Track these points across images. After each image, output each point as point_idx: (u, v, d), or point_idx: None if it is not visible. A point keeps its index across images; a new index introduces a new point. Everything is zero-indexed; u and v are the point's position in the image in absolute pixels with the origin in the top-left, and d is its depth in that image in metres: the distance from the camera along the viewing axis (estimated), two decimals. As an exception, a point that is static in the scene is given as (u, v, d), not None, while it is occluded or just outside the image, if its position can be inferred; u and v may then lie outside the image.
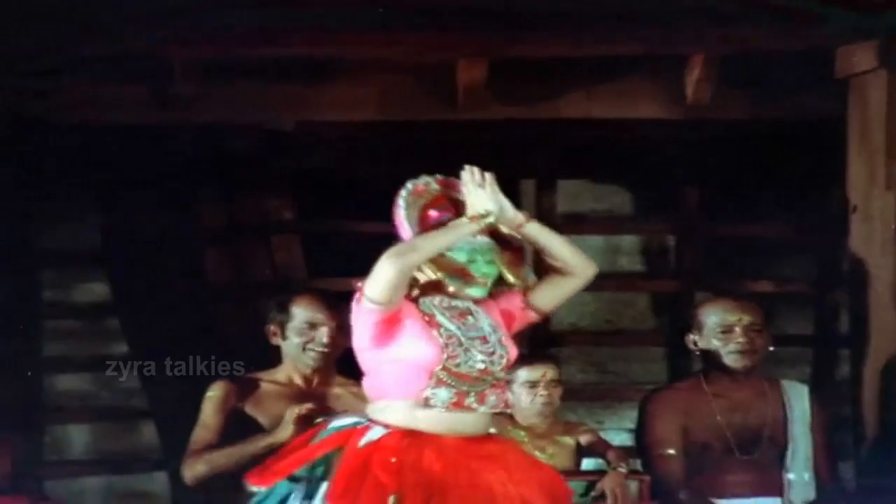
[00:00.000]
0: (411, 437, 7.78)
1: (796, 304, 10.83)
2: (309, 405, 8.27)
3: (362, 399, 8.39)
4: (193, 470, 8.39)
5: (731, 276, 11.15)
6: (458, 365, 7.76)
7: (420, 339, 7.79)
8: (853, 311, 9.30)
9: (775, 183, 10.36)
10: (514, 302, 8.02)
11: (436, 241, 7.84)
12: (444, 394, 7.75)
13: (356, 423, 7.81)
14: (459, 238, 7.85)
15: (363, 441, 7.79)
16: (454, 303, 7.90)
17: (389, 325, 7.78)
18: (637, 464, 8.45)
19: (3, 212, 10.95)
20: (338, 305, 8.60)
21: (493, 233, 7.90)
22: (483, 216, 7.80)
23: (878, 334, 8.97)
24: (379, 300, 7.60)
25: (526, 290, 7.96)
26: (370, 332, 7.68)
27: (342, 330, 8.33)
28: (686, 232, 11.13)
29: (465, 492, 7.66)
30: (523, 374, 9.14)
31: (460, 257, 7.89)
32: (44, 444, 10.95)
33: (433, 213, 7.89)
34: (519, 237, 7.89)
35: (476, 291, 7.89)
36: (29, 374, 11.31)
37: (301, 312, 8.53)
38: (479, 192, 7.89)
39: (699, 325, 8.58)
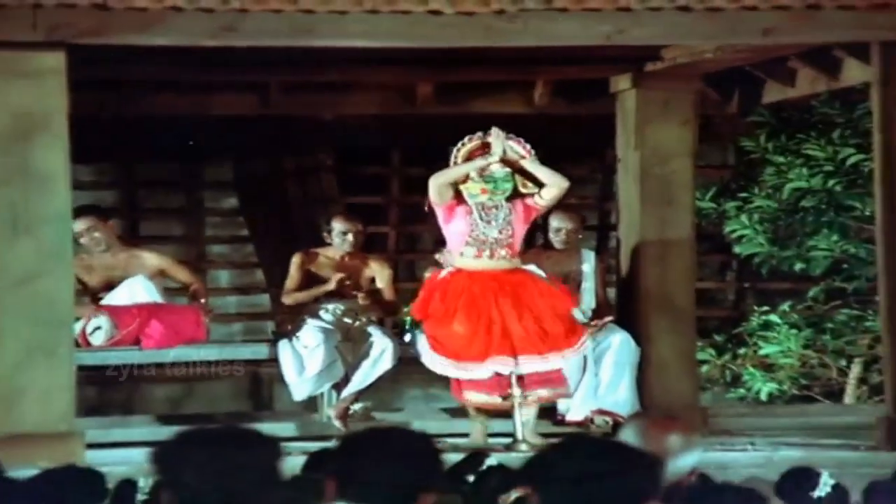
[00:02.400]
0: (460, 272, 8.00)
1: (589, 209, 10.62)
2: (342, 275, 8.43)
3: (367, 266, 8.64)
4: (286, 300, 8.64)
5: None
6: (476, 235, 7.92)
7: (460, 220, 7.97)
8: (618, 212, 9.25)
9: (581, 146, 10.29)
10: (529, 201, 8.03)
11: (458, 169, 8.01)
12: (469, 250, 7.97)
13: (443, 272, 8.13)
14: (472, 168, 7.96)
15: (439, 277, 8.11)
16: (488, 203, 7.98)
17: (449, 213, 8.01)
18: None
19: (180, 164, 11.23)
20: (357, 217, 8.76)
21: (515, 166, 8.01)
22: (490, 156, 7.95)
23: (631, 225, 8.98)
24: (433, 200, 7.95)
25: (534, 195, 8.02)
26: (440, 216, 8.02)
27: (360, 232, 8.58)
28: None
29: (472, 284, 7.92)
30: None
31: (483, 181, 7.97)
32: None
33: (476, 154, 8.00)
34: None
35: (497, 197, 7.98)
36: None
37: (337, 226, 8.51)
38: (496, 141, 8.00)
39: (548, 224, 8.67)
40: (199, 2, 7.18)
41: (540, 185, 8.10)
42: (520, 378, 7.87)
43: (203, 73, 8.86)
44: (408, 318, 8.40)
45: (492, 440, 7.95)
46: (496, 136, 8.05)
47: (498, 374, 7.86)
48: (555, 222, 8.68)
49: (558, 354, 7.95)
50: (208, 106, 9.51)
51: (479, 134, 8.09)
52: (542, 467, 3.79)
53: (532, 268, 8.15)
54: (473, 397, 7.94)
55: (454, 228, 8.02)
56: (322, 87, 9.43)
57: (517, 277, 8.03)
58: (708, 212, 10.31)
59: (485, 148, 8.06)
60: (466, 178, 8.02)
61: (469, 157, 8.07)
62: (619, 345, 8.46)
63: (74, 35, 7.17)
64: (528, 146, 8.14)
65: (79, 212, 8.39)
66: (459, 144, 8.08)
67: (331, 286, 8.48)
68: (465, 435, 7.97)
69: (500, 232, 7.99)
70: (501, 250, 7.99)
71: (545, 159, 8.07)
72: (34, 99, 7.24)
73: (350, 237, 8.56)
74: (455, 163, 8.06)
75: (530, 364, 7.88)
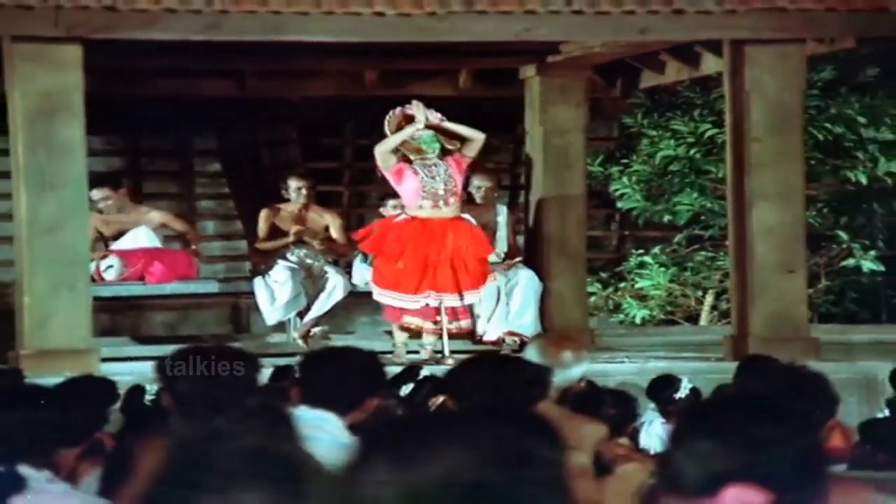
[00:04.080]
0: (414, 220, 7.83)
1: (503, 172, 10.39)
2: (299, 227, 8.34)
3: (322, 217, 8.50)
4: (258, 247, 8.58)
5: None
6: (428, 189, 7.76)
7: (410, 180, 7.80)
8: (526, 175, 9.22)
9: (497, 122, 9.85)
10: (457, 155, 7.89)
11: (394, 138, 7.81)
12: (427, 203, 7.77)
13: (399, 216, 7.90)
14: (405, 136, 7.76)
15: (395, 220, 7.96)
16: (427, 161, 7.81)
17: (398, 175, 7.83)
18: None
19: (174, 136, 10.98)
20: (308, 175, 8.70)
21: (438, 129, 7.85)
22: (416, 124, 7.81)
23: (536, 185, 8.96)
24: (381, 167, 7.83)
25: (461, 150, 7.90)
26: (391, 180, 7.87)
27: (312, 188, 8.50)
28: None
29: (424, 230, 7.79)
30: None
31: (416, 143, 7.81)
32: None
33: (403, 124, 7.87)
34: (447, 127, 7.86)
35: (430, 156, 7.81)
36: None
37: (292, 183, 8.46)
38: (417, 110, 7.85)
39: (471, 182, 8.50)
40: (189, 4, 7.16)
41: (461, 140, 7.99)
42: (448, 309, 7.83)
43: (192, 62, 8.81)
44: (358, 254, 8.34)
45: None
46: (417, 107, 7.94)
47: (427, 305, 7.82)
48: (476, 181, 8.58)
49: (474, 293, 7.91)
50: (196, 89, 9.39)
51: (399, 108, 8.00)
52: (457, 378, 3.87)
53: (467, 216, 8.09)
54: (410, 320, 7.90)
55: (407, 187, 7.88)
56: (288, 73, 9.31)
57: (459, 225, 7.93)
58: (596, 174, 10.29)
59: (407, 118, 7.96)
60: (405, 144, 7.92)
61: (398, 126, 7.96)
62: (526, 280, 8.42)
63: (89, 31, 7.13)
64: (439, 114, 8.04)
65: (95, 183, 8.37)
66: (387, 117, 7.97)
67: (290, 239, 8.43)
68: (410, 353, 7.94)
69: (445, 184, 7.88)
70: (451, 198, 7.88)
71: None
72: (56, 83, 7.19)
73: (303, 191, 8.52)
74: (389, 132, 7.94)
75: (451, 300, 7.84)
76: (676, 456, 1.87)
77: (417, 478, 1.61)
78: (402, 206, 8.10)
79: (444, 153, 7.99)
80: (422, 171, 7.88)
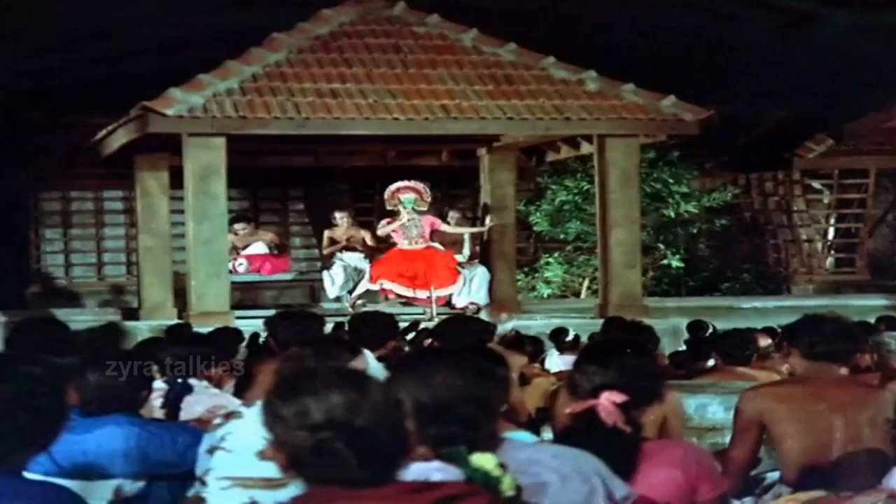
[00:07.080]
0: (400, 249, 7.68)
1: (467, 209, 9.95)
2: (345, 241, 8.14)
3: (362, 234, 8.18)
4: (324, 252, 8.43)
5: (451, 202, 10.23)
6: (406, 235, 7.58)
7: (399, 229, 7.71)
8: (481, 213, 8.90)
9: (464, 181, 9.67)
10: (437, 223, 7.72)
11: (382, 231, 7.67)
12: (405, 242, 7.63)
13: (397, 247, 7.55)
14: (389, 230, 7.50)
15: (395, 249, 7.71)
16: (412, 218, 7.65)
17: (395, 232, 7.57)
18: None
19: (277, 188, 10.50)
20: (351, 206, 8.60)
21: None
22: (399, 219, 7.48)
23: (487, 218, 8.68)
24: (379, 236, 7.66)
25: (443, 223, 7.64)
26: (388, 232, 7.65)
27: (349, 215, 8.29)
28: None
29: (406, 254, 7.61)
30: None
31: (402, 207, 7.54)
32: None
33: (396, 195, 7.53)
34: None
35: (411, 212, 7.60)
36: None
37: (336, 214, 8.29)
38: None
39: (449, 215, 8.27)
40: (286, 114, 7.26)
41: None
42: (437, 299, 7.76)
43: (288, 146, 8.59)
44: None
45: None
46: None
47: (416, 297, 7.76)
48: (452, 213, 8.52)
49: (449, 288, 7.84)
50: (289, 161, 9.17)
51: (393, 187, 7.75)
52: (441, 329, 3.91)
53: (436, 244, 7.90)
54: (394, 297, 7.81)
55: (397, 235, 7.86)
56: (343, 152, 9.07)
57: (429, 251, 7.79)
58: (521, 211, 10.03)
59: (395, 193, 7.69)
60: (397, 216, 7.70)
61: (392, 195, 7.76)
62: (480, 272, 8.13)
63: (230, 130, 7.25)
64: (428, 192, 7.85)
65: (239, 219, 8.55)
66: (388, 191, 7.87)
67: (340, 246, 8.35)
68: (411, 314, 7.71)
69: (415, 232, 7.74)
70: (419, 240, 7.76)
71: (449, 188, 8.00)
72: (210, 159, 7.29)
73: (346, 218, 8.34)
74: (385, 199, 7.74)
75: (439, 292, 7.76)
76: (575, 375, 2.02)
77: (424, 387, 1.70)
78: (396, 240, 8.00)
79: (426, 212, 7.81)
80: (407, 222, 7.71)
